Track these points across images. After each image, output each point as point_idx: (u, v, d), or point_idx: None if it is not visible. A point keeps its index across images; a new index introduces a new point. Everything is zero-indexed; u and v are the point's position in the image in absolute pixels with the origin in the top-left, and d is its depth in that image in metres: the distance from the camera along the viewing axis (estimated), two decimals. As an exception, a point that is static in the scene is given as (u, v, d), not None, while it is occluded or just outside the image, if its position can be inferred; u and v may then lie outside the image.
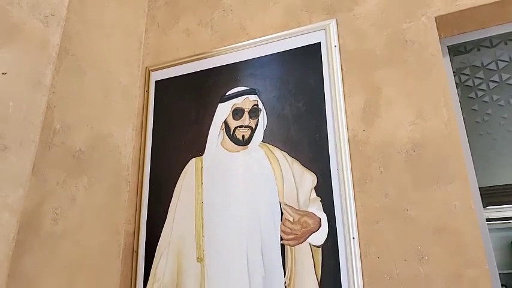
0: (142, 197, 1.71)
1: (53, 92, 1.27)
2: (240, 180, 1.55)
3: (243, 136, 1.61)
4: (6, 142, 0.94)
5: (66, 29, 1.39)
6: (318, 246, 1.33)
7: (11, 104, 0.96)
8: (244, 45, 1.75)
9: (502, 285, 3.29)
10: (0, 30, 1.04)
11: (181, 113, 1.78)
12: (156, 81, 1.91)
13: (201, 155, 1.68)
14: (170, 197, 1.66)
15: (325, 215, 1.36)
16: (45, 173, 1.24)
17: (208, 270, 1.48)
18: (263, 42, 1.71)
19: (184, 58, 1.87)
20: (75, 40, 1.47)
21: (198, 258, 1.51)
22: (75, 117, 1.45)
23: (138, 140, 1.83)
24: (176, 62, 1.89)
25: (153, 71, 1.93)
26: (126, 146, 1.76)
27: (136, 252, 1.64)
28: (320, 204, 1.38)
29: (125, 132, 1.76)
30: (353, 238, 1.29)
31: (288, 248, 1.37)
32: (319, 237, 1.34)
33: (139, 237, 1.65)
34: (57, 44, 1.19)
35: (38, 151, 1.11)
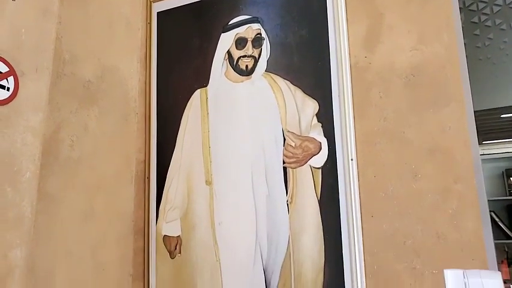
0: (151, 128, 1.79)
1: (59, 22, 1.29)
2: (244, 110, 1.61)
3: (247, 66, 1.64)
4: (22, 68, 0.98)
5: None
6: (318, 168, 1.42)
7: (23, 31, 0.99)
8: (246, -28, 1.72)
9: (490, 211, 3.47)
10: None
11: (185, 44, 1.80)
12: (158, 13, 1.90)
13: (206, 86, 1.72)
14: (177, 127, 1.74)
15: (325, 139, 1.43)
16: (59, 101, 1.30)
17: (216, 192, 1.59)
18: (265, -31, 1.68)
19: (185, -13, 1.85)
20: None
21: (206, 181, 1.62)
22: (82, 48, 1.48)
23: (143, 72, 1.86)
24: (177, -8, 1.86)
25: (154, 1, 1.91)
26: (132, 78, 1.80)
27: (148, 178, 1.74)
28: (321, 129, 1.45)
29: (130, 64, 1.79)
30: (351, 159, 1.37)
31: (289, 170, 1.47)
32: (319, 159, 1.43)
33: (150, 165, 1.75)
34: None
35: (51, 80, 1.16)
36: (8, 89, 0.94)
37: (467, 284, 0.63)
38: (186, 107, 1.74)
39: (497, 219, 3.56)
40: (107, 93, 1.62)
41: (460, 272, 0.64)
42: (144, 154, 1.78)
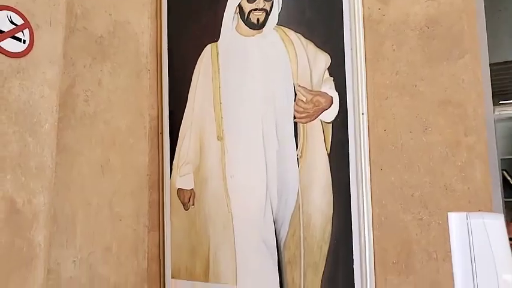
0: (163, 84, 1.80)
1: (70, -24, 1.28)
2: (256, 64, 1.61)
3: (258, 19, 1.62)
4: (37, 21, 1.00)
5: None
6: (329, 123, 1.43)
7: (35, -18, 0.99)
8: None
9: (503, 169, 3.46)
10: None
11: (195, -2, 1.77)
12: (167, -35, 1.86)
13: (216, 41, 1.71)
14: (189, 82, 1.75)
15: (337, 93, 1.43)
16: (73, 56, 1.31)
17: (227, 147, 1.62)
18: None
19: None
20: None
21: (218, 137, 1.65)
22: (93, 2, 1.47)
23: (154, 28, 1.86)
24: None
25: (163, -46, 1.87)
26: (143, 34, 1.80)
27: (162, 134, 1.78)
28: (332, 83, 1.45)
29: (141, 20, 1.78)
30: (362, 113, 1.38)
31: (300, 125, 1.48)
32: (330, 114, 1.43)
33: (163, 121, 1.78)
34: None
35: (64, 34, 1.17)
36: (24, 42, 0.95)
37: (469, 224, 0.65)
38: (197, 62, 1.74)
39: (509, 178, 3.56)
40: (118, 48, 1.63)
41: (463, 214, 0.66)
42: (156, 110, 1.81)
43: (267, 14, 1.61)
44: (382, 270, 1.29)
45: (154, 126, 1.81)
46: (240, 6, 1.67)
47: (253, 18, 1.63)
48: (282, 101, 1.53)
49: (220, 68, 1.69)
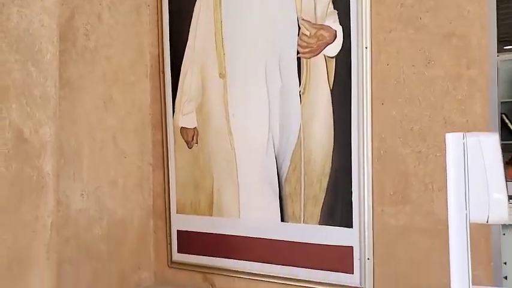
0: (163, 20, 1.76)
1: None
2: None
3: (260, -50, 1.56)
4: None
5: None
6: (332, 57, 1.42)
7: None
8: None
9: (502, 113, 3.46)
10: None
11: None
12: None
13: (218, -26, 1.65)
14: (190, 19, 1.71)
15: (340, 27, 1.41)
16: (70, -13, 1.28)
17: (230, 85, 1.62)
18: None
19: None
20: None
21: (220, 74, 1.64)
22: None
23: (153, -39, 1.79)
24: None
25: None
26: (142, -33, 1.73)
27: (163, 72, 1.77)
28: (337, 17, 1.42)
29: (139, -49, 1.71)
30: (366, 48, 1.36)
31: (303, 61, 1.47)
32: (334, 48, 1.42)
33: (164, 58, 1.77)
34: None
35: (59, -38, 1.14)
36: (20, -35, 0.93)
37: (465, 143, 0.67)
38: (198, -2, 1.69)
39: (507, 121, 3.57)
40: (116, -18, 1.58)
41: (460, 134, 0.68)
42: (157, 48, 1.79)
43: None
44: (379, 202, 1.34)
45: (155, 64, 1.79)
46: None
47: (255, -51, 1.56)
48: (285, 35, 1.51)
49: (221, 2, 1.64)
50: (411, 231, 1.28)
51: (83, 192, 1.46)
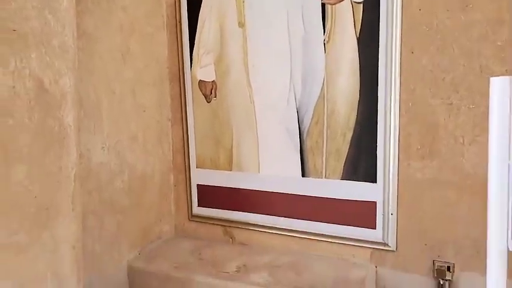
0: (179, -33, 1.68)
1: None
2: None
3: None
4: None
5: None
6: (359, 2, 1.34)
7: None
8: None
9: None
10: None
11: None
12: None
13: None
14: (207, -35, 1.62)
15: (369, -31, 1.31)
16: None
17: (249, 34, 1.55)
18: None
19: None
20: None
21: (239, 23, 1.57)
22: None
23: None
24: None
25: None
26: None
27: (180, 22, 1.70)
28: (365, -42, 1.32)
29: None
30: (396, -9, 1.27)
31: (328, 7, 1.39)
32: (361, -7, 1.33)
33: (181, 8, 1.69)
34: None
35: None
36: None
37: (513, 88, 0.62)
38: None
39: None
40: None
41: (506, 77, 0.63)
42: (173, -3, 1.71)
43: None
44: (405, 156, 1.30)
45: (172, 14, 1.73)
46: None
47: None
48: (309, -19, 1.42)
49: None
50: (438, 185, 1.25)
51: (104, 146, 1.45)
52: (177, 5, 1.70)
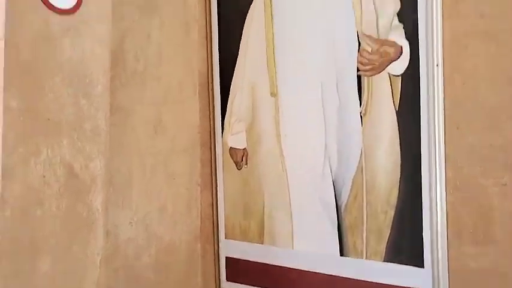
0: (212, 36, 1.69)
1: None
2: (313, 10, 1.46)
3: (317, -39, 1.45)
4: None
5: None
6: (398, 76, 1.29)
7: None
8: None
9: None
10: None
11: None
12: None
13: (269, -14, 1.56)
14: (240, 34, 1.63)
15: (407, 42, 1.27)
16: (121, 9, 1.24)
17: (282, 104, 1.52)
18: None
19: None
20: None
21: (271, 93, 1.55)
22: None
23: (201, -24, 1.73)
24: None
25: None
26: (190, -17, 1.68)
27: (212, 89, 1.70)
28: (402, 31, 1.28)
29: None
30: (437, 65, 1.21)
31: (364, 79, 1.35)
32: (399, 66, 1.28)
33: (213, 75, 1.70)
34: None
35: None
36: (73, -3, 0.89)
37: None
38: (249, 11, 1.61)
39: None
40: (166, 1, 1.54)
41: None
42: (206, 64, 1.72)
43: (325, -47, 1.43)
44: (456, 240, 1.18)
45: (204, 82, 1.73)
46: None
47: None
48: (344, 50, 1.39)
49: (274, 15, 1.55)
50: (495, 277, 1.12)
51: (132, 221, 1.41)
52: (209, 73, 1.71)
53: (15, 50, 0.83)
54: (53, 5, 0.85)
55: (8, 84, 0.81)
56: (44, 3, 0.84)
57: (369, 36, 1.33)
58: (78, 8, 0.93)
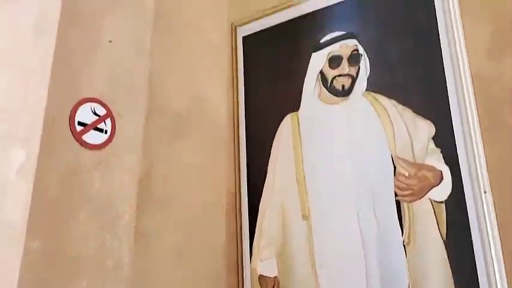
0: (240, 157, 1.69)
1: (150, 55, 1.26)
2: (343, 134, 1.45)
3: (343, 86, 1.48)
4: (119, 109, 0.94)
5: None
6: (441, 202, 1.20)
7: (119, 71, 0.95)
8: (335, -15, 1.58)
9: None
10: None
11: (272, 67, 1.70)
12: (243, 37, 1.83)
13: (297, 110, 1.59)
14: (268, 155, 1.62)
15: (447, 167, 1.21)
16: (152, 138, 1.25)
17: (315, 228, 1.43)
18: (359, -21, 1.53)
19: (270, 9, 1.75)
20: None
21: (303, 216, 1.47)
22: (171, 80, 1.44)
23: (231, 99, 1.79)
24: (262, 14, 1.78)
25: (239, 26, 1.84)
26: (220, 107, 1.73)
27: (240, 210, 1.64)
28: (440, 155, 1.23)
29: (218, 92, 1.73)
30: (484, 192, 1.13)
31: (404, 205, 1.26)
32: (442, 192, 1.20)
33: (241, 196, 1.65)
34: (152, 7, 1.16)
35: (144, 117, 1.11)
36: (106, 132, 0.89)
37: None
38: (277, 133, 1.62)
39: None
40: (195, 124, 1.57)
41: None
42: (234, 185, 1.68)
43: (353, 79, 1.47)
44: None
45: (232, 202, 1.67)
46: (321, 72, 1.55)
47: (338, 84, 1.50)
48: (378, 175, 1.33)
49: (302, 138, 1.55)
50: None
51: None
52: (237, 193, 1.66)
53: (43, 188, 0.80)
54: (85, 141, 0.85)
55: (31, 225, 0.77)
56: (77, 141, 0.84)
57: (404, 160, 1.28)
58: (111, 142, 0.93)
